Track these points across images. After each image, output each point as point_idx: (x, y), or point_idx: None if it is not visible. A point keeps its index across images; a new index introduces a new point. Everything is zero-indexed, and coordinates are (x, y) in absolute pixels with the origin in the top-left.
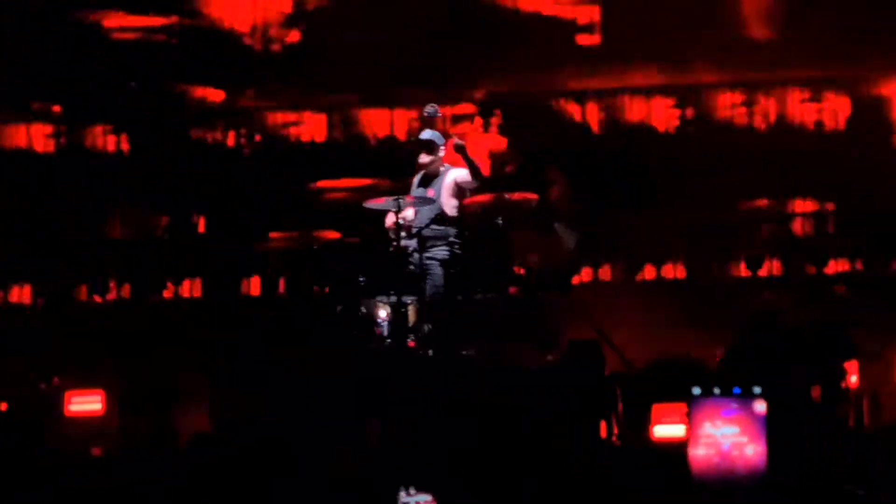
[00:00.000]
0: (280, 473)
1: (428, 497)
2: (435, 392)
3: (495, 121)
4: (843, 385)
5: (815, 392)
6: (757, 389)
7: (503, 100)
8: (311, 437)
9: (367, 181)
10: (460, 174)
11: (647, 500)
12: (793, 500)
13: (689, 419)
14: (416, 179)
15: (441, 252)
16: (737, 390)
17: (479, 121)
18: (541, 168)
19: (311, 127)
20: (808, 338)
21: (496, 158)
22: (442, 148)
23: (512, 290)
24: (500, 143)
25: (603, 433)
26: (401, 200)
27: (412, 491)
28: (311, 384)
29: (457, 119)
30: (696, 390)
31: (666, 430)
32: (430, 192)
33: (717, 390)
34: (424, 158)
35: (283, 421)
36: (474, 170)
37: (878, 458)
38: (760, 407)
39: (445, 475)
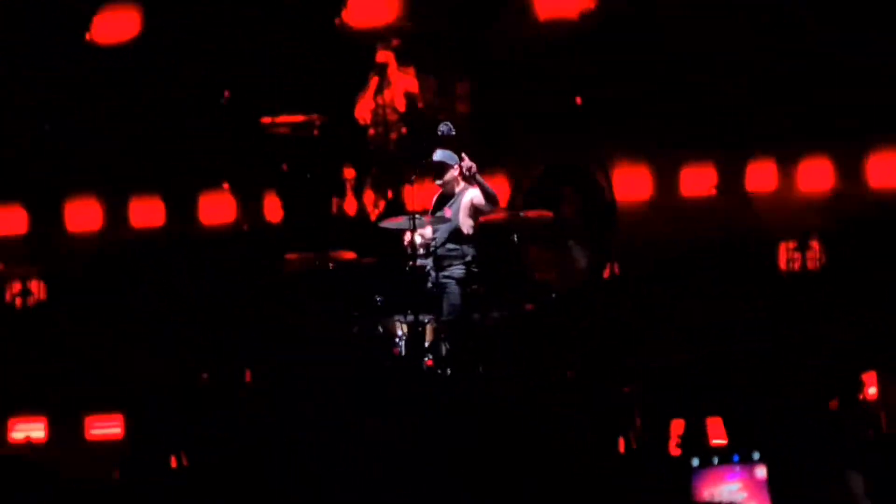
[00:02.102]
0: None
1: None
2: (450, 407)
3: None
4: (861, 396)
5: (833, 403)
6: (756, 455)
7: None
8: (324, 454)
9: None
10: (477, 195)
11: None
12: None
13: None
14: (434, 198)
15: (458, 271)
16: (736, 458)
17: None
18: (555, 186)
19: None
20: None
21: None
22: (455, 167)
23: (528, 307)
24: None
25: (622, 448)
26: (417, 219)
27: None
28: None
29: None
30: (695, 461)
31: None
32: (447, 212)
33: (715, 459)
34: (438, 181)
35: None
36: (487, 193)
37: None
38: (761, 472)
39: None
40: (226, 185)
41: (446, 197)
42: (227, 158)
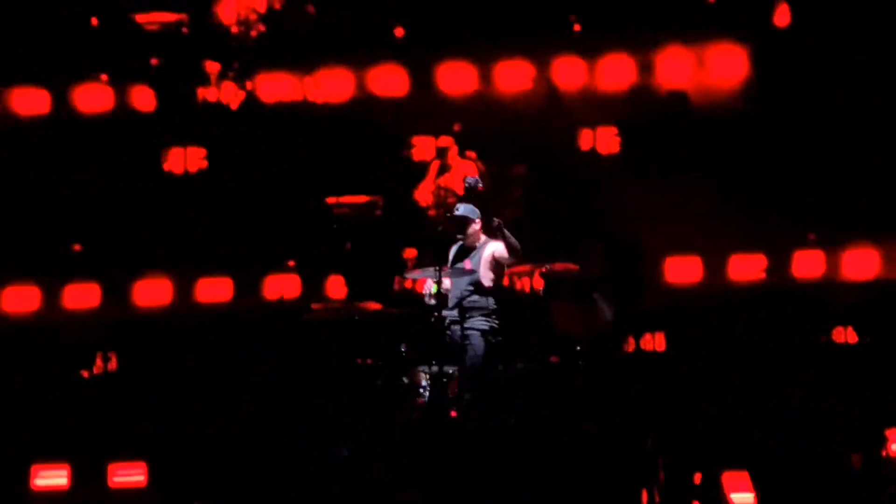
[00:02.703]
0: None
1: None
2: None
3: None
4: (884, 453)
5: (856, 459)
6: None
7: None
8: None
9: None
10: (498, 248)
11: None
12: None
13: None
14: (452, 250)
15: (480, 323)
16: None
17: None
18: (579, 239)
19: None
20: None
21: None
22: (477, 221)
23: (554, 359)
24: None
25: (644, 501)
26: (440, 271)
27: None
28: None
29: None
30: None
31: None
32: (468, 264)
33: None
34: (460, 235)
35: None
36: (511, 246)
37: None
38: None
39: None
40: (291, 264)
41: (466, 250)
42: (293, 237)
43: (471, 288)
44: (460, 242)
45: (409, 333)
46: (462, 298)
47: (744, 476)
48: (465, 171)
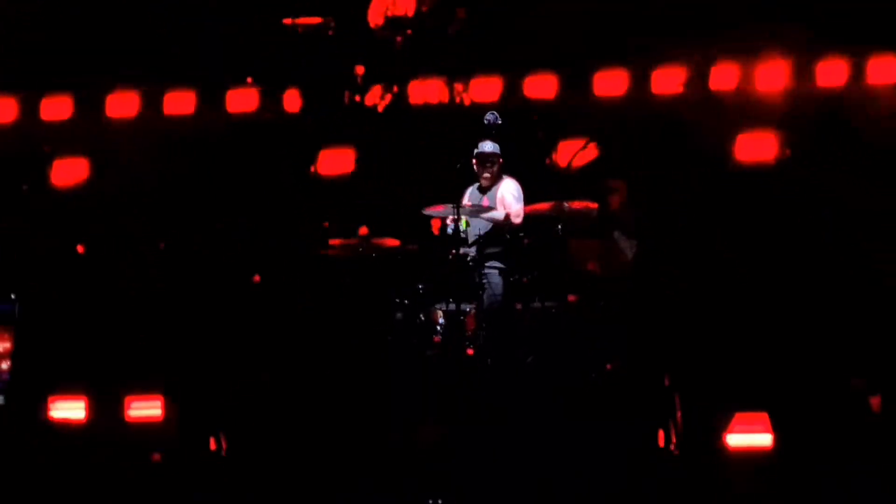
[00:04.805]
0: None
1: None
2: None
3: None
4: None
5: (875, 401)
6: None
7: None
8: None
9: None
10: (512, 188)
11: None
12: None
13: None
14: (467, 193)
15: (499, 261)
16: None
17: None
18: (601, 177)
19: None
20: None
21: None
22: (500, 159)
23: (571, 297)
24: None
25: (661, 442)
26: (458, 209)
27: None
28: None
29: None
30: None
31: (745, 439)
32: (485, 202)
33: None
34: (487, 174)
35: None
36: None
37: None
38: None
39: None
40: (249, 80)
41: (482, 189)
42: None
43: (490, 225)
44: (476, 184)
45: (427, 271)
46: (480, 236)
47: (763, 417)
48: None
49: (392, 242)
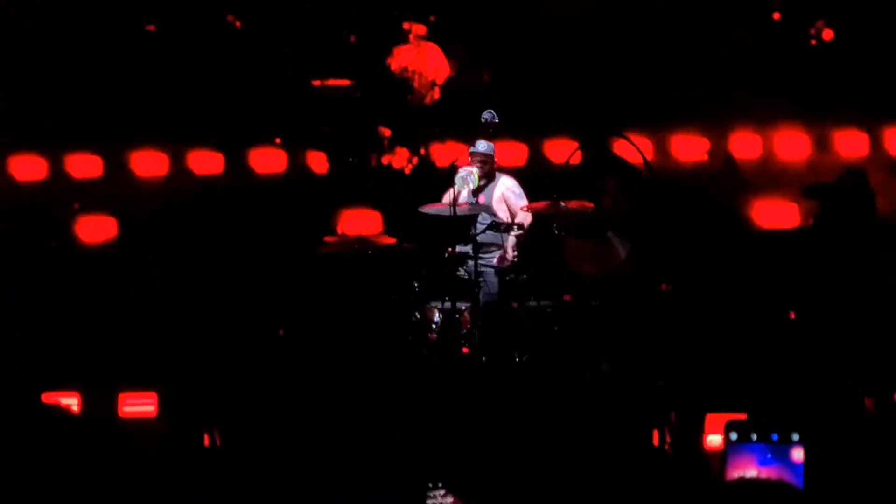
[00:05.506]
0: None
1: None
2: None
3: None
4: None
5: (869, 403)
6: (795, 436)
7: None
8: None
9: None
10: (509, 185)
11: None
12: None
13: (723, 465)
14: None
15: (494, 259)
16: (775, 436)
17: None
18: (596, 176)
19: None
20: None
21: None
22: (494, 158)
23: (567, 297)
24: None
25: (655, 441)
26: (455, 206)
27: (439, 492)
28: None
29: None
30: (734, 435)
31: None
32: (481, 199)
33: (754, 436)
34: (480, 173)
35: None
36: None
37: None
38: (798, 455)
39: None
40: (277, 140)
41: (478, 186)
42: (280, 116)
43: (485, 224)
44: (460, 179)
45: (423, 269)
46: (477, 234)
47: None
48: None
49: (388, 240)
